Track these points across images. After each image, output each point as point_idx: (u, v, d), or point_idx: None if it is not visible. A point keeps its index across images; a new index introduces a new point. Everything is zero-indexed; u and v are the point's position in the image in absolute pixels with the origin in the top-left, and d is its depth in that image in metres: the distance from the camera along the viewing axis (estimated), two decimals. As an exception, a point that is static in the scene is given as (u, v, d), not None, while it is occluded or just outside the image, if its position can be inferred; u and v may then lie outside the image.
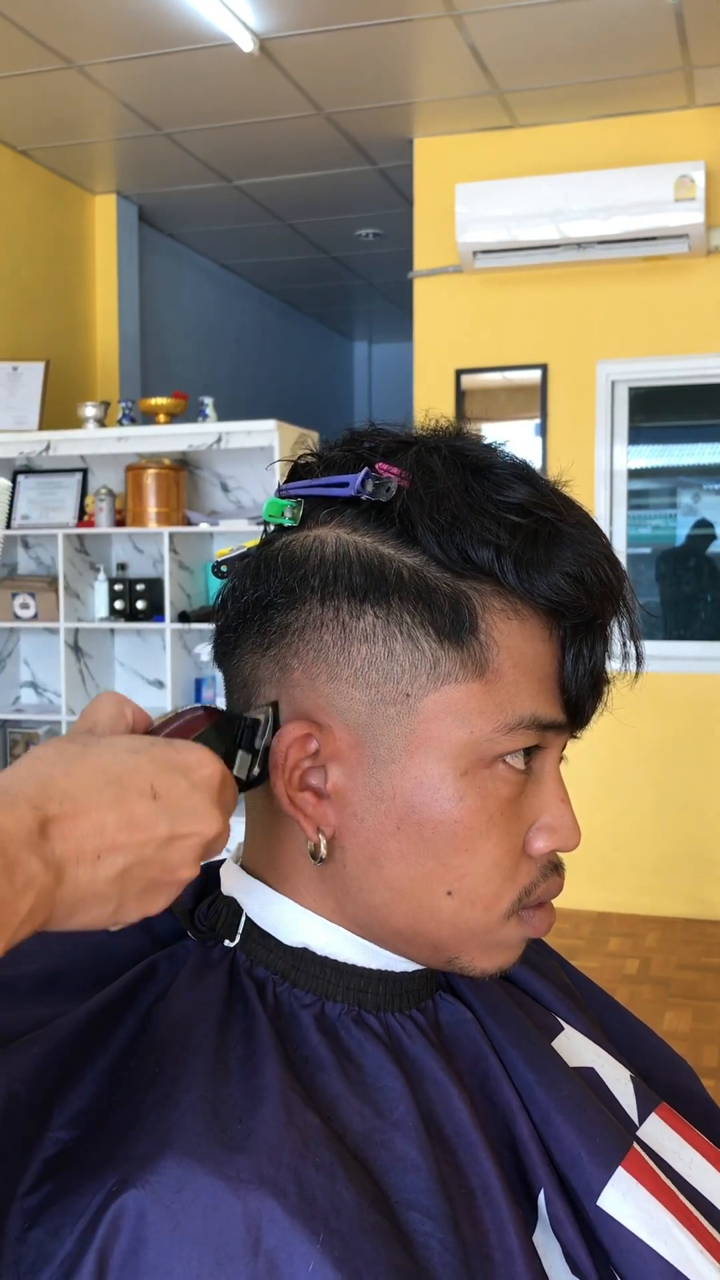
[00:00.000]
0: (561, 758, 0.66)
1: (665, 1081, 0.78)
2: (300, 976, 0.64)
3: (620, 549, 4.66)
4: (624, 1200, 0.62)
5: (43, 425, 4.51)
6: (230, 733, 0.61)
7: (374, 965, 0.65)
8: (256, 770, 0.62)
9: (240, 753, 0.61)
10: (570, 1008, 0.76)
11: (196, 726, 0.59)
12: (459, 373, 4.76)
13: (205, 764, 0.55)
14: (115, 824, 0.50)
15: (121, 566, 4.57)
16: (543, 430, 4.69)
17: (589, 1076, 0.70)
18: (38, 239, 5.05)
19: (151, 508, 4.28)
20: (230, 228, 5.93)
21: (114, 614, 4.44)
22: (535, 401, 4.70)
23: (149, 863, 0.51)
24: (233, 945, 0.66)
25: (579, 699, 0.63)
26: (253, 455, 4.33)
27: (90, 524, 4.43)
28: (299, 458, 0.68)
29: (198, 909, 0.69)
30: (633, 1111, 0.71)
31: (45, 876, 0.47)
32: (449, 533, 0.60)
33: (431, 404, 4.73)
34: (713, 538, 4.89)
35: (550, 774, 0.64)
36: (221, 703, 0.69)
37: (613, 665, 0.65)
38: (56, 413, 4.73)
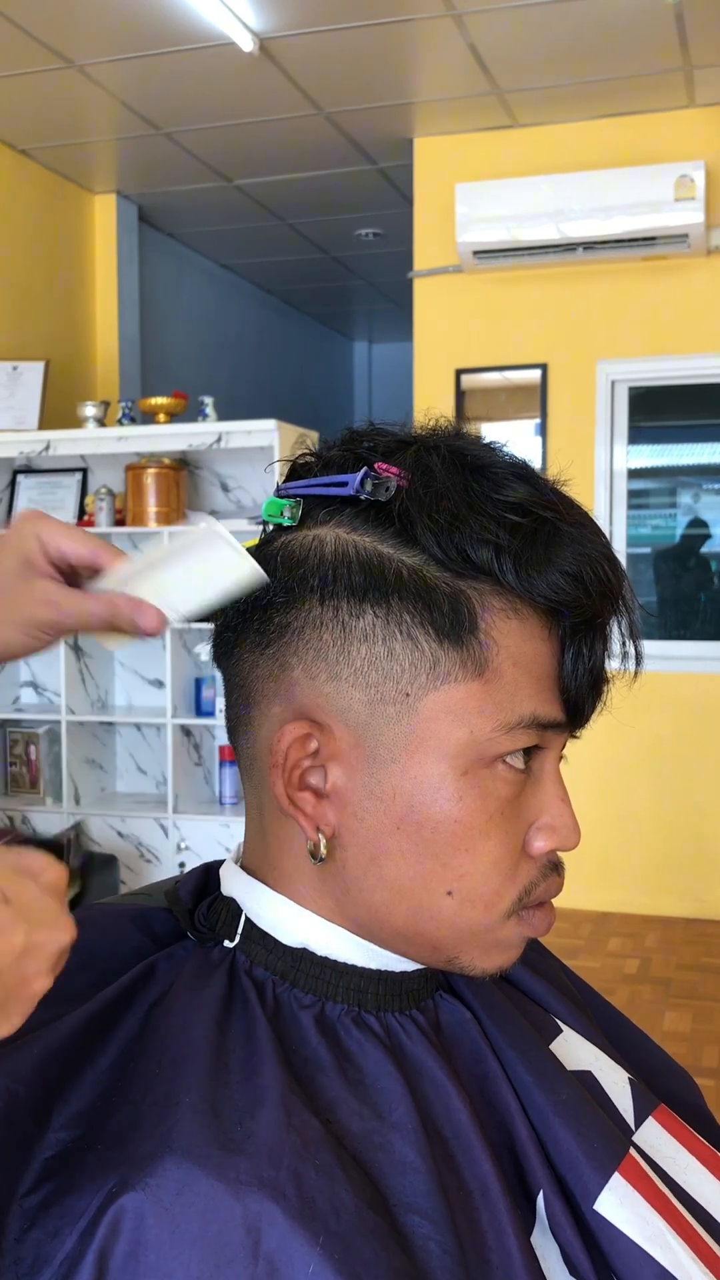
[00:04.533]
0: (561, 757, 0.66)
1: (663, 1091, 0.78)
2: (300, 977, 0.64)
3: (620, 549, 4.66)
4: (620, 1205, 0.62)
5: (43, 425, 4.51)
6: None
7: (374, 965, 0.65)
8: (75, 890, 0.58)
9: None
10: (569, 1009, 0.76)
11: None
12: (459, 373, 4.76)
13: (50, 867, 0.52)
14: None
15: (121, 566, 4.57)
16: (543, 430, 4.69)
17: (586, 1080, 0.70)
18: (38, 239, 5.05)
19: (151, 507, 4.28)
20: (230, 228, 5.93)
21: (114, 614, 4.43)
22: (535, 401, 4.70)
23: (5, 974, 0.47)
24: (232, 946, 0.66)
25: (578, 698, 0.63)
26: (253, 455, 4.33)
27: (90, 524, 4.43)
28: (298, 457, 0.67)
29: (197, 909, 0.69)
30: (629, 1116, 0.71)
31: None
32: (448, 532, 0.60)
33: (431, 404, 4.73)
34: (707, 537, 4.89)
35: (550, 773, 0.64)
36: (220, 703, 0.68)
37: (612, 664, 0.65)
38: (56, 413, 4.72)
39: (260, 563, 0.64)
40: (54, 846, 0.69)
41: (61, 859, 0.57)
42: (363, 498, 0.62)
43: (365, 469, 0.62)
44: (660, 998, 3.78)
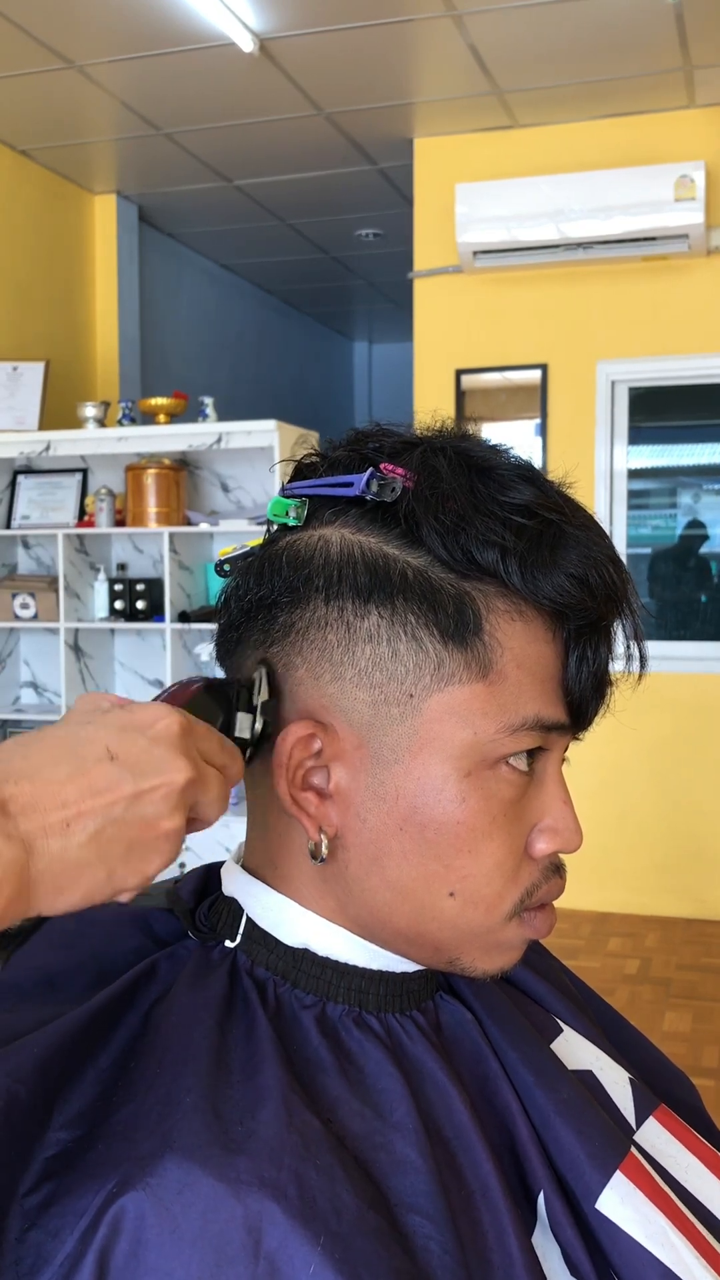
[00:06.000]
0: (563, 759, 0.66)
1: (662, 1092, 0.78)
2: (301, 977, 0.64)
3: (620, 549, 4.66)
4: (622, 1204, 0.62)
5: (43, 425, 4.51)
6: (225, 696, 0.61)
7: (375, 966, 0.65)
8: (259, 726, 0.62)
9: (240, 714, 0.61)
10: (570, 1009, 0.76)
11: (188, 694, 0.59)
12: (459, 373, 4.76)
13: (162, 717, 0.54)
14: (77, 792, 0.50)
15: (121, 566, 4.57)
16: (543, 430, 4.69)
17: (587, 1080, 0.70)
18: (38, 239, 5.05)
19: (151, 508, 4.28)
20: (230, 228, 5.93)
21: (114, 614, 4.44)
22: (535, 401, 4.70)
23: (123, 823, 0.51)
24: (233, 946, 0.66)
25: (582, 700, 0.63)
26: (253, 455, 4.33)
27: (90, 524, 4.43)
28: (304, 458, 0.67)
29: (199, 909, 0.69)
30: (630, 1115, 0.71)
31: (11, 852, 0.47)
32: (454, 534, 0.60)
33: (431, 404, 4.73)
34: (705, 538, 4.89)
35: (552, 775, 0.64)
36: None
37: (615, 666, 0.65)
38: (56, 413, 4.72)
39: (265, 562, 0.64)
40: (246, 683, 0.69)
41: (250, 697, 0.61)
42: (368, 498, 0.62)
43: (371, 470, 0.62)
44: (660, 998, 3.78)
